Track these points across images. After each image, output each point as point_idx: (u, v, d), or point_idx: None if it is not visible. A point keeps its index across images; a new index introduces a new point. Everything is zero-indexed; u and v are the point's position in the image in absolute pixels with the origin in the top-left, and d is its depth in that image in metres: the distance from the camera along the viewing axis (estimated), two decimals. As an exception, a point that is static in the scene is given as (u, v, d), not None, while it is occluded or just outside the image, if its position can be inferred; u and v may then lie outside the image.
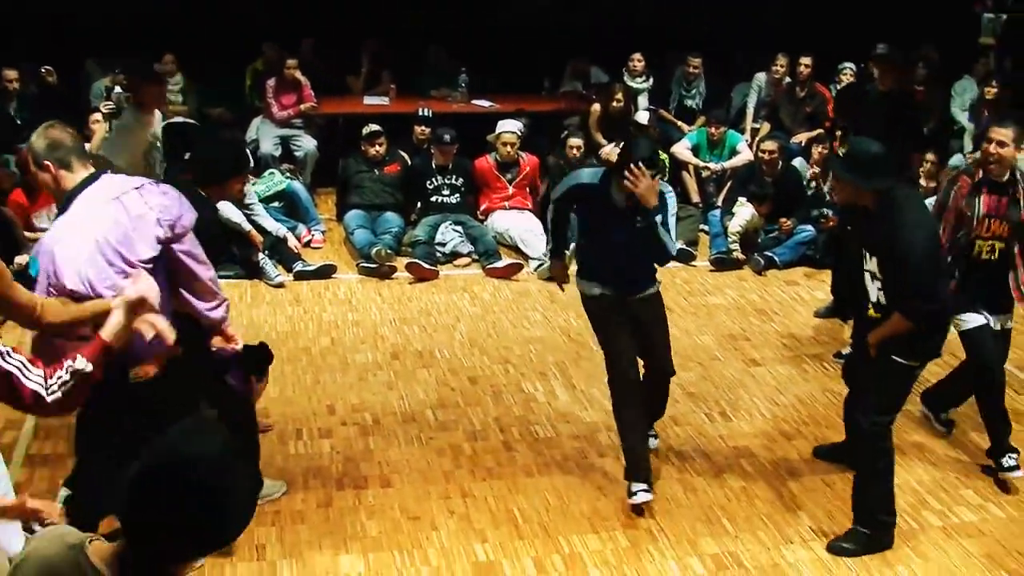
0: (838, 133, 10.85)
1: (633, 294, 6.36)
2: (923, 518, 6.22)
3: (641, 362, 6.45)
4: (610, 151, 11.83)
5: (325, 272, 10.05)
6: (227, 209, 9.76)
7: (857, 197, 5.67)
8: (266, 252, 9.90)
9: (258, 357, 6.16)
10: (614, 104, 12.15)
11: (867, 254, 5.72)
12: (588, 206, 6.37)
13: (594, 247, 6.40)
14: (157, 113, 8.33)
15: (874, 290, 5.72)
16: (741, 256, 10.70)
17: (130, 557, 2.56)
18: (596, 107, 12.28)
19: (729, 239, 10.74)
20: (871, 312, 5.79)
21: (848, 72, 12.73)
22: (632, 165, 5.81)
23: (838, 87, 12.72)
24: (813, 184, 11.17)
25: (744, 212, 10.83)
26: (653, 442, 6.80)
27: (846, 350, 8.16)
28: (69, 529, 2.76)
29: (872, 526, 5.85)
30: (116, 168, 5.82)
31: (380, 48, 13.94)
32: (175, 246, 4.88)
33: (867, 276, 5.76)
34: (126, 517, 2.54)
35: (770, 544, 5.93)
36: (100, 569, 2.58)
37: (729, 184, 11.90)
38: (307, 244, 10.89)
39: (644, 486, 6.13)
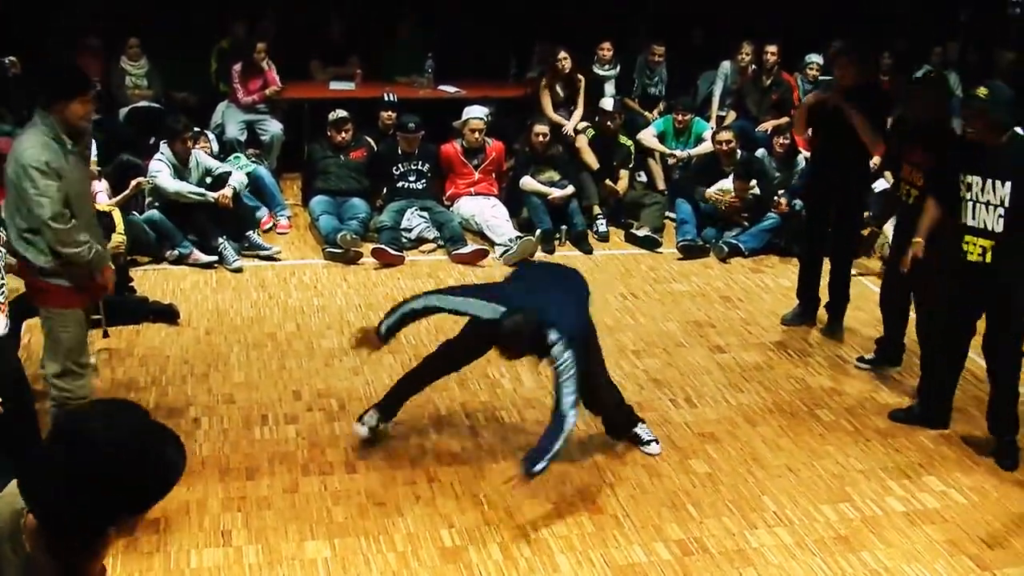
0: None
1: None
2: (887, 504, 6.26)
3: None
4: (571, 129, 11.91)
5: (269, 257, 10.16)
6: (180, 186, 9.76)
7: (988, 133, 6.45)
8: (225, 237, 9.87)
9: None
10: (560, 65, 12.17)
11: (990, 185, 6.45)
12: None
13: None
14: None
15: (993, 218, 6.44)
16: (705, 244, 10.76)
17: (43, 531, 2.55)
18: (544, 85, 12.27)
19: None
20: (975, 255, 6.54)
21: (815, 66, 12.77)
22: None
23: (806, 79, 12.77)
24: (777, 174, 11.19)
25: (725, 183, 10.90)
26: None
27: (869, 355, 8.20)
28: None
29: None
30: None
31: (343, 36, 13.87)
32: None
33: (982, 208, 6.49)
34: (26, 495, 2.54)
35: (735, 530, 5.95)
36: (25, 539, 2.56)
37: (685, 173, 11.98)
38: (269, 229, 10.85)
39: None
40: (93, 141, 9.24)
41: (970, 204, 6.51)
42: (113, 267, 5.96)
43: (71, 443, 2.50)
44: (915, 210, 7.28)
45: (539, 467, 5.72)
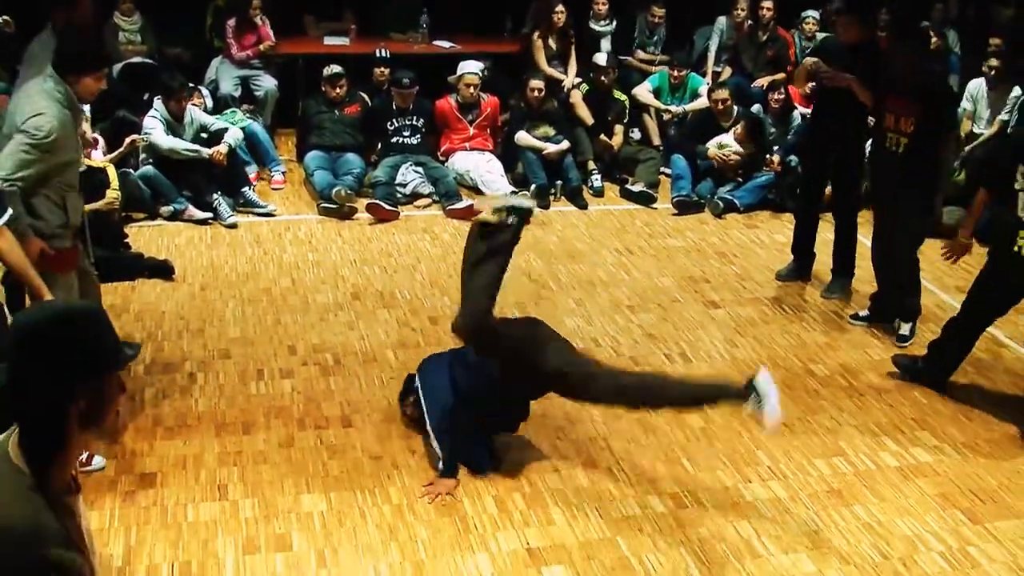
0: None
1: None
2: (880, 459, 6.29)
3: None
4: (570, 83, 11.87)
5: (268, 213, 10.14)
6: (174, 143, 9.73)
7: None
8: (220, 192, 9.87)
9: None
10: (556, 18, 12.13)
11: None
12: None
13: None
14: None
15: None
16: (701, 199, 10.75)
17: (23, 437, 2.57)
18: (536, 38, 12.22)
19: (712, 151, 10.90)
20: None
21: (811, 21, 12.72)
22: None
23: (803, 35, 12.74)
24: (773, 130, 11.20)
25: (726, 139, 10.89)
26: None
27: (863, 312, 8.21)
28: None
29: None
30: None
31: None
32: None
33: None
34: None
35: (729, 483, 5.98)
36: (12, 456, 2.57)
37: (680, 130, 11.97)
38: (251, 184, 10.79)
39: None
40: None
41: (1022, 195, 6.43)
42: (41, 245, 5.85)
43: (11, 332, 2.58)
44: (904, 159, 7.35)
45: (440, 466, 5.84)
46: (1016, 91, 10.72)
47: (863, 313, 8.16)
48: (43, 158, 5.52)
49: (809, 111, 10.82)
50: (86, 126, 9.41)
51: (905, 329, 7.83)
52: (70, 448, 2.61)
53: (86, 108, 9.28)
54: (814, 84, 8.76)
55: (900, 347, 7.71)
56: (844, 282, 8.66)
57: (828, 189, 8.82)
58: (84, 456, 5.75)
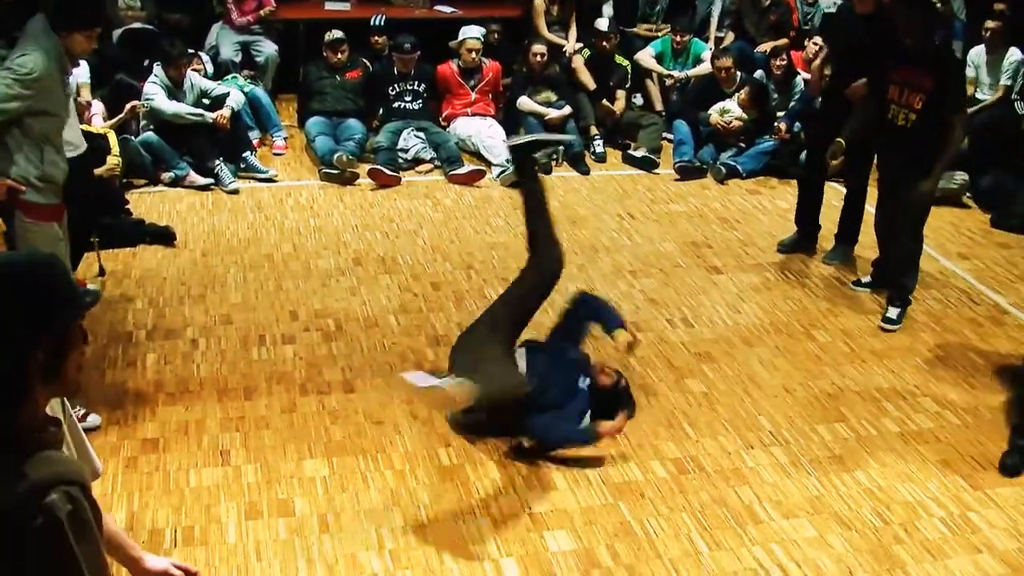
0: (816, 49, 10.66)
1: None
2: (881, 425, 6.29)
3: None
4: (571, 48, 11.82)
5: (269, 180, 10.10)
6: (178, 107, 9.71)
7: None
8: (221, 159, 9.85)
9: None
10: None
11: None
12: None
13: None
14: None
15: None
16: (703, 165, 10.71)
17: None
18: (539, 3, 12.14)
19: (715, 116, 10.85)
20: None
21: None
22: None
23: (805, 1, 12.69)
24: (775, 96, 11.15)
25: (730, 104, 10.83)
26: None
27: (865, 278, 8.18)
28: None
29: None
30: None
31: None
32: None
33: None
34: None
35: (731, 449, 5.99)
36: None
37: (683, 95, 11.91)
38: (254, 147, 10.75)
39: None
40: (86, 65, 9.21)
41: None
42: (7, 183, 5.85)
43: None
44: (912, 135, 7.24)
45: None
46: (1016, 54, 10.66)
47: (865, 279, 8.14)
48: (22, 95, 5.50)
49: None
50: (85, 92, 9.41)
51: (893, 313, 7.62)
52: (33, 401, 2.58)
53: (86, 75, 9.31)
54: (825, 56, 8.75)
55: (886, 329, 7.54)
56: (846, 248, 8.62)
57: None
58: (80, 412, 5.77)
